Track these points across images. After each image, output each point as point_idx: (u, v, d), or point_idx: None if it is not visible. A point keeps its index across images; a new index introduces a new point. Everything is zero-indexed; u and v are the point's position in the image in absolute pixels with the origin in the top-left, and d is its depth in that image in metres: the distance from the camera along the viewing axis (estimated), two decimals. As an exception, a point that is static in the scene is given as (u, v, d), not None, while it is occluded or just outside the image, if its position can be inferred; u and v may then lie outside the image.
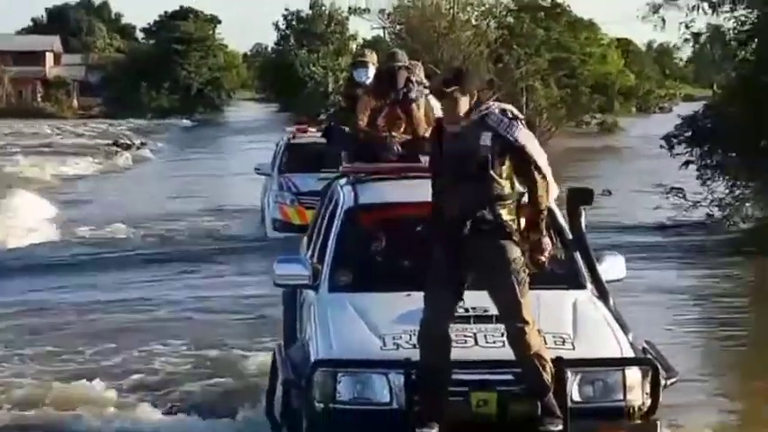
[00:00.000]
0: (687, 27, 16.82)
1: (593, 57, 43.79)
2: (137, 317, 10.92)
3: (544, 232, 5.33)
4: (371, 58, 7.98)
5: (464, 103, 5.24)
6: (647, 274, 11.65)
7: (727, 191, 15.66)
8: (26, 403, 7.89)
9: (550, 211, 5.70)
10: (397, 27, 37.55)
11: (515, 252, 5.24)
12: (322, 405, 5.29)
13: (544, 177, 5.29)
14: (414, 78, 7.24)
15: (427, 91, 7.36)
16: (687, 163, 16.05)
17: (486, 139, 5.21)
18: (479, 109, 5.27)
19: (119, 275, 13.39)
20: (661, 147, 16.83)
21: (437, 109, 7.26)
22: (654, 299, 10.97)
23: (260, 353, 8.70)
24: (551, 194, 5.40)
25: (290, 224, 13.84)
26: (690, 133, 16.17)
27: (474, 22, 36.99)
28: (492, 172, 5.20)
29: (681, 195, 16.01)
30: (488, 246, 5.23)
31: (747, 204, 15.31)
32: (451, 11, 36.42)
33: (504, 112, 5.28)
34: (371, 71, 7.67)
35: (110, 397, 8.03)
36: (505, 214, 5.25)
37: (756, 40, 15.36)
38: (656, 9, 16.99)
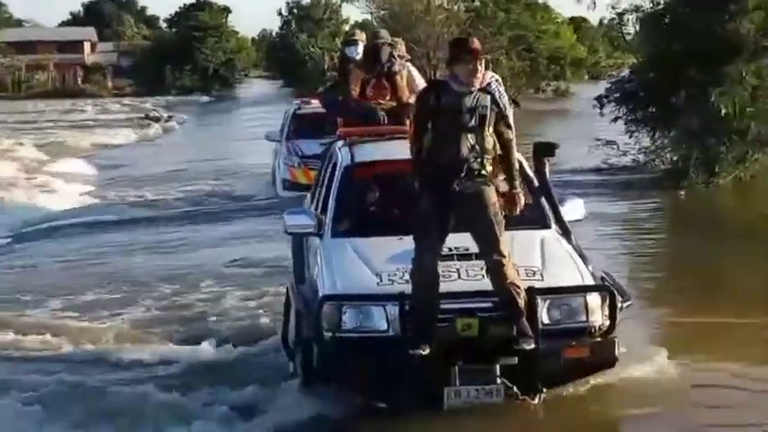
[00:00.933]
0: (613, 8, 17.32)
1: (547, 33, 43.61)
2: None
3: (518, 187, 5.28)
4: (360, 36, 7.75)
5: (482, 68, 5.25)
6: (586, 204, 11.88)
7: (650, 140, 15.96)
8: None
9: (520, 163, 5.65)
10: (381, 12, 37.12)
11: (494, 196, 5.21)
12: (330, 334, 5.21)
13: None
14: (396, 53, 7.05)
15: (409, 63, 7.21)
16: (616, 119, 16.27)
17: (486, 100, 5.21)
18: (484, 77, 5.29)
19: (160, 228, 13.16)
20: (594, 107, 17.14)
21: (418, 78, 7.12)
22: (590, 223, 11.09)
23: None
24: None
25: (297, 184, 13.27)
26: (617, 94, 16.38)
27: (446, 6, 36.55)
28: (486, 128, 5.18)
29: (614, 147, 16.49)
30: (473, 190, 5.17)
31: (666, 150, 15.87)
32: (426, -2, 35.95)
33: (497, 81, 5.42)
34: (361, 48, 7.44)
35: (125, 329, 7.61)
36: (488, 165, 5.21)
37: (669, 17, 15.60)
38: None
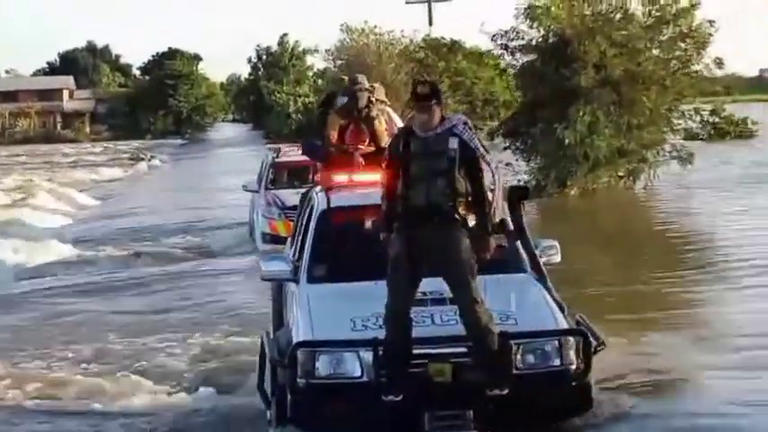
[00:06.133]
0: (497, 66, 21.07)
1: (482, 80, 44.00)
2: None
3: (490, 232, 4.72)
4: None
5: (437, 114, 4.72)
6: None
7: (525, 163, 18.73)
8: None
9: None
10: (338, 62, 37.07)
11: (466, 241, 4.66)
12: (303, 380, 4.66)
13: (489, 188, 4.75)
14: (374, 98, 6.47)
15: (388, 108, 6.63)
16: (506, 148, 18.89)
17: (453, 143, 4.69)
18: (448, 119, 4.76)
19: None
20: (488, 139, 18.95)
21: (398, 122, 6.55)
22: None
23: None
24: (497, 214, 4.82)
25: (278, 236, 11.20)
26: (502, 130, 19.57)
27: (395, 57, 36.65)
28: (456, 171, 4.65)
29: (510, 168, 18.50)
30: (445, 234, 4.64)
31: (537, 171, 18.39)
32: (378, 49, 36.15)
33: (465, 123, 4.78)
34: (344, 96, 6.76)
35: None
36: (461, 209, 4.67)
37: (532, 71, 18.67)
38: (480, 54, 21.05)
